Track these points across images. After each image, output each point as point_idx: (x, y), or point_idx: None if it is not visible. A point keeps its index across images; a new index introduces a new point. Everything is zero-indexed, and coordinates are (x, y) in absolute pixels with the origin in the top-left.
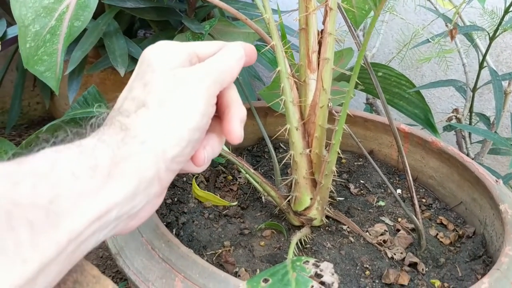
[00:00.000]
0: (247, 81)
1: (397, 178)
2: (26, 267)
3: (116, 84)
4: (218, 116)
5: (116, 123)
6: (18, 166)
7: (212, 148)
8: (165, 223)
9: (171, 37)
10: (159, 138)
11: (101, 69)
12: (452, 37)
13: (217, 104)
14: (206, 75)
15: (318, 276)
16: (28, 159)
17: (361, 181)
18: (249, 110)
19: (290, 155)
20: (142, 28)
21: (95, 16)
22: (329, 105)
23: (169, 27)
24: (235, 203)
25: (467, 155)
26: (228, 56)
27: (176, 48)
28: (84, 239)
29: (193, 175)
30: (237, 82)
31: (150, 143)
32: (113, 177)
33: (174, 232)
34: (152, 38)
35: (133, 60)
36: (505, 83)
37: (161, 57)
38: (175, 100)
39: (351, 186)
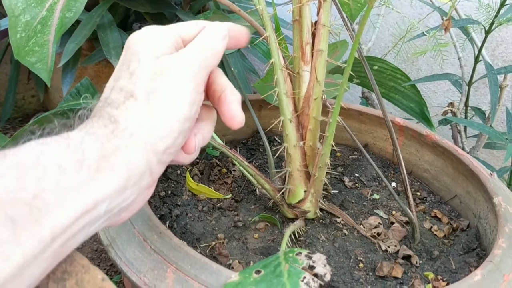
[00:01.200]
0: (242, 74)
1: (392, 171)
2: (8, 263)
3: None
4: (205, 104)
5: (105, 115)
6: (3, 159)
7: (202, 135)
8: (158, 216)
9: None
10: (149, 131)
11: (95, 61)
12: (446, 29)
13: (205, 90)
14: (191, 63)
15: (310, 267)
16: (13, 151)
17: (356, 174)
18: (243, 103)
19: (284, 148)
20: (137, 21)
21: (89, 8)
22: (323, 97)
23: (164, 20)
24: (229, 195)
25: (463, 149)
26: (211, 38)
27: (161, 34)
28: (72, 234)
29: (187, 168)
30: (231, 75)
31: (139, 136)
32: (102, 170)
33: (167, 225)
34: None
35: None
36: (500, 77)
37: (146, 44)
38: (163, 90)
39: (346, 179)
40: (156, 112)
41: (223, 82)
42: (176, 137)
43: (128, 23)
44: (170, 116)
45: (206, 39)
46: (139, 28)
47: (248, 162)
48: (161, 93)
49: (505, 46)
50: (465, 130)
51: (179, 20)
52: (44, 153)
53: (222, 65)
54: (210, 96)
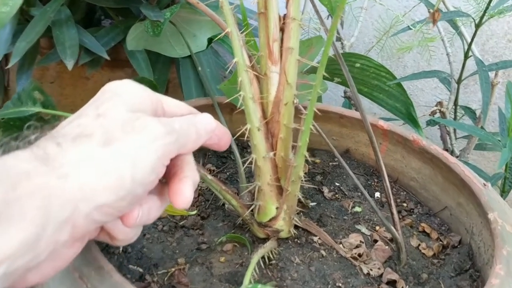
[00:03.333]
0: (215, 73)
1: (376, 180)
2: None
3: (74, 78)
4: (163, 181)
5: (37, 150)
6: None
7: (148, 211)
8: None
9: (131, 26)
10: (92, 178)
11: (54, 61)
12: (434, 21)
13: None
14: (170, 133)
15: None
16: None
17: (336, 184)
18: (212, 106)
19: (252, 159)
20: (106, 17)
21: (46, 3)
22: (295, 101)
23: (130, 16)
24: (194, 212)
25: (452, 151)
26: (201, 125)
27: (146, 93)
28: None
29: None
30: (202, 75)
31: (75, 179)
32: (4, 219)
33: (121, 249)
34: (110, 27)
35: (87, 52)
36: (491, 74)
37: (127, 94)
38: (127, 144)
39: (325, 190)
40: (109, 161)
41: (185, 160)
42: (121, 197)
43: (94, 20)
44: (125, 171)
45: (197, 124)
46: (110, 24)
47: (217, 173)
48: (124, 145)
49: (496, 41)
50: (454, 131)
51: (145, 16)
52: None
53: (192, 63)
54: (167, 170)
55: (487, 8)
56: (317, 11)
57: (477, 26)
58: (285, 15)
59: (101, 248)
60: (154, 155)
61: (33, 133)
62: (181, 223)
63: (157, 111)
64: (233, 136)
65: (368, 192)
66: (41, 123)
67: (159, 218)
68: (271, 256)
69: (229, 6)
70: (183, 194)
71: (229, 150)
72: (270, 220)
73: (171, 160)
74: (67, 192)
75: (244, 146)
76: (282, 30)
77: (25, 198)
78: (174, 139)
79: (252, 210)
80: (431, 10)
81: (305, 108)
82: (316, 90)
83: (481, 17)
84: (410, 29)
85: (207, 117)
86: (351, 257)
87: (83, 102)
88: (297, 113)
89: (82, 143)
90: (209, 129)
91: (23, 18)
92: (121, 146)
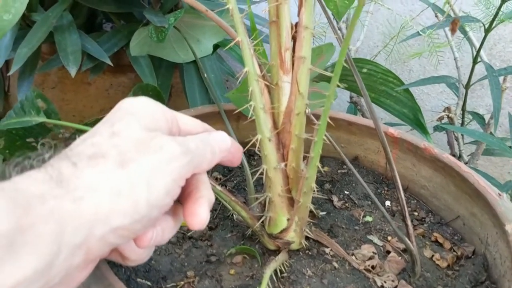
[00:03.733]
0: (220, 79)
1: (386, 188)
2: None
3: (76, 83)
4: (178, 200)
5: (52, 170)
6: None
7: (162, 231)
8: None
9: (134, 31)
10: (106, 200)
11: (55, 67)
12: (454, 30)
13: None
14: (185, 153)
15: None
16: None
17: (346, 192)
18: (218, 114)
19: (263, 170)
20: (108, 21)
21: (47, 8)
22: (307, 111)
23: (133, 20)
24: None
25: (460, 156)
26: (216, 143)
27: (162, 109)
28: None
29: None
30: (206, 81)
31: (89, 202)
32: (18, 246)
33: None
34: (112, 32)
35: (89, 58)
36: (499, 79)
37: (142, 112)
38: (143, 165)
39: (335, 198)
40: (124, 183)
41: (201, 179)
42: (137, 220)
43: (96, 24)
44: (140, 194)
45: (212, 143)
46: (111, 28)
47: (224, 181)
48: (139, 167)
49: (503, 45)
50: (462, 137)
51: (148, 21)
52: None
53: (196, 69)
54: (181, 190)
55: (497, 13)
56: (328, 17)
57: (487, 31)
58: (297, 23)
59: (108, 261)
60: (169, 177)
61: (47, 151)
62: (189, 234)
63: (172, 129)
64: (244, 144)
65: (378, 201)
66: (55, 142)
67: None
68: (282, 268)
69: (239, 14)
70: (199, 215)
71: None
72: (281, 231)
73: (186, 179)
74: (81, 216)
75: (251, 153)
76: (293, 38)
77: (39, 223)
78: (189, 160)
79: (262, 222)
80: (439, 15)
81: (315, 116)
82: (330, 100)
83: (491, 22)
84: (420, 34)
85: (222, 135)
86: (364, 269)
87: (84, 108)
88: (308, 123)
89: (97, 164)
90: (224, 148)
91: (24, 23)
92: (136, 168)
